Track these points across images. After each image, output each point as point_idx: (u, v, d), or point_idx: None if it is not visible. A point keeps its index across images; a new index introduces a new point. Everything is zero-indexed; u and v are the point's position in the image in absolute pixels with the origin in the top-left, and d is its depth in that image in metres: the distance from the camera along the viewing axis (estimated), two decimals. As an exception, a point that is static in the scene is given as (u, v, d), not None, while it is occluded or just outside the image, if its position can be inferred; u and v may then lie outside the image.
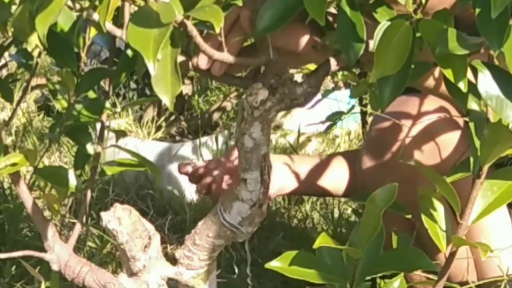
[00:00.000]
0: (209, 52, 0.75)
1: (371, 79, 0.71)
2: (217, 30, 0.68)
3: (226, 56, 0.78)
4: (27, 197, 0.93)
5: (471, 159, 0.80)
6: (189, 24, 0.71)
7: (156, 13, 0.68)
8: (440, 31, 0.70)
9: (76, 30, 0.80)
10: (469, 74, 0.72)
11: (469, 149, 0.80)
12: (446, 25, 0.70)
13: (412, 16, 0.72)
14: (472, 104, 0.74)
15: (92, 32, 0.89)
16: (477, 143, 0.78)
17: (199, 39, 0.73)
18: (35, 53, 0.89)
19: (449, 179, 0.88)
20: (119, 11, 0.74)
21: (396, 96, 0.73)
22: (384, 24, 0.72)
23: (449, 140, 1.20)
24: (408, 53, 0.70)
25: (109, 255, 1.65)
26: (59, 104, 0.94)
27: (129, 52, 0.90)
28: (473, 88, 0.72)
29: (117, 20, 0.75)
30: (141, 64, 0.69)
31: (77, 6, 0.74)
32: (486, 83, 0.71)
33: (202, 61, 0.83)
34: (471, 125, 0.78)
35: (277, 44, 0.83)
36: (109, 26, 0.72)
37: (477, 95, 0.72)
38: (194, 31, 0.72)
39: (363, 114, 2.07)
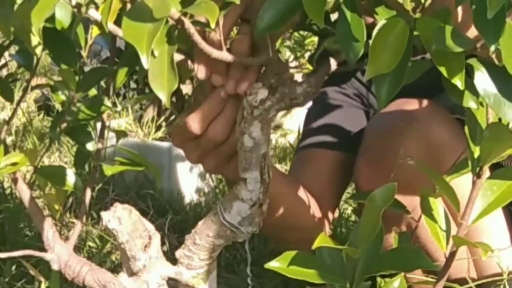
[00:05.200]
0: (207, 51, 0.75)
1: (365, 78, 0.71)
2: (213, 26, 0.68)
3: (225, 55, 0.78)
4: (27, 197, 0.93)
5: (469, 160, 0.80)
6: (187, 21, 0.71)
7: (150, 8, 0.68)
8: (437, 28, 0.69)
9: (74, 27, 0.80)
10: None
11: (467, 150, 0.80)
12: (445, 24, 0.70)
13: (411, 15, 0.72)
14: (470, 102, 0.73)
15: (94, 31, 0.89)
16: (472, 145, 0.78)
17: (197, 37, 0.73)
18: (38, 52, 0.89)
19: (448, 179, 0.88)
20: (121, 11, 0.75)
21: (393, 94, 0.73)
22: (382, 23, 0.71)
23: (447, 143, 1.19)
24: (403, 52, 0.70)
25: (109, 255, 1.65)
26: (59, 100, 0.93)
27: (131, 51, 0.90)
28: (470, 85, 0.71)
29: (119, 20, 0.75)
30: (143, 67, 0.69)
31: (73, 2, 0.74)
32: (484, 81, 0.71)
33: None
34: (466, 126, 0.78)
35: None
36: (111, 26, 0.72)
37: (475, 93, 0.72)
38: (191, 29, 0.72)
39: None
